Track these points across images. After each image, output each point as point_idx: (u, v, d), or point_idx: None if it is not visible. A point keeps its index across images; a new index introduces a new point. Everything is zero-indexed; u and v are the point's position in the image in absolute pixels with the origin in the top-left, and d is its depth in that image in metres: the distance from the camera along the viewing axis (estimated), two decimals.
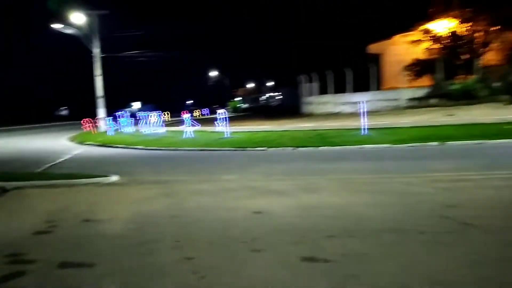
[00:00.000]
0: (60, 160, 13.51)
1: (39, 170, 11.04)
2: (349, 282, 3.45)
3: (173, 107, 52.14)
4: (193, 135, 19.29)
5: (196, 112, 50.72)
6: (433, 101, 27.19)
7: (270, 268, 3.80)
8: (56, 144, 20.12)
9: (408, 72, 30.28)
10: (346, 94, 32.66)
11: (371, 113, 25.65)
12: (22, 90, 61.49)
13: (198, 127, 22.07)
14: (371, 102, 29.85)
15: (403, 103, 28.91)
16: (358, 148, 13.10)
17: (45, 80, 66.00)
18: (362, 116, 15.97)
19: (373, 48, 36.11)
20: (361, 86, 31.35)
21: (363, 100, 18.36)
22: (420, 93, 28.47)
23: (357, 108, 19.25)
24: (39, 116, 52.78)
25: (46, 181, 8.49)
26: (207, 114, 53.52)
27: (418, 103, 27.81)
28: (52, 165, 12.22)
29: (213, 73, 67.83)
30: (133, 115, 29.12)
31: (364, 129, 15.70)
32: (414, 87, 29.55)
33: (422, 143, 12.84)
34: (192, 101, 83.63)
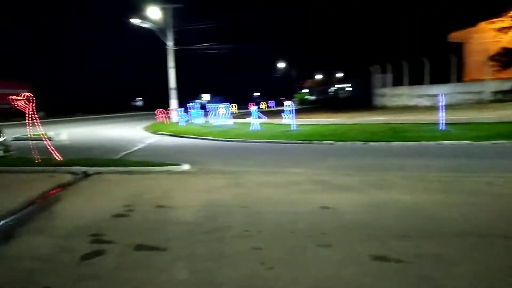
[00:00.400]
0: (136, 148, 14.35)
1: (117, 157, 11.82)
2: (423, 284, 3.26)
3: (240, 99, 53.05)
4: (259, 128, 19.45)
5: (262, 104, 51.09)
6: None
7: (338, 264, 3.71)
8: (131, 133, 21.42)
9: (494, 63, 27.83)
10: (423, 86, 30.88)
11: (450, 106, 24.10)
12: (101, 80, 66.23)
13: (264, 119, 22.20)
14: (450, 95, 28.02)
15: (487, 96, 26.74)
16: (435, 144, 12.35)
17: (122, 71, 70.52)
18: (440, 110, 14.99)
19: (455, 36, 33.67)
20: (440, 77, 29.44)
21: (441, 93, 17.24)
22: (508, 85, 26.12)
23: (434, 101, 18.08)
24: (116, 106, 56.57)
25: (123, 167, 9.05)
26: (273, 107, 53.70)
27: (505, 97, 25.55)
28: (128, 152, 13.02)
29: (281, 65, 67.72)
30: (202, 106, 30.06)
31: (442, 124, 14.75)
32: (500, 78, 27.18)
33: (508, 140, 11.76)
34: (258, 94, 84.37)
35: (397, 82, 34.18)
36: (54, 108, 41.64)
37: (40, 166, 9.13)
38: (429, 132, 14.20)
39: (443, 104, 15.37)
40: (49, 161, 9.47)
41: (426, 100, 29.91)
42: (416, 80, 31.48)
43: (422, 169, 8.47)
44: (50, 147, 10.07)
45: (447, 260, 3.71)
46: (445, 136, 13.15)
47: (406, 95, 32.26)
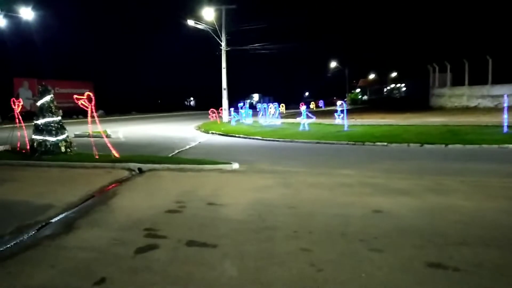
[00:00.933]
0: (188, 146, 14.73)
1: (170, 154, 12.19)
2: None
3: (290, 99, 52.86)
4: (308, 128, 19.27)
5: (312, 104, 50.61)
6: None
7: (390, 270, 3.57)
8: (184, 131, 22.01)
9: None
10: (485, 86, 29.07)
11: None
12: (156, 80, 68.66)
13: (313, 120, 21.96)
14: None
15: None
16: (497, 147, 11.61)
17: (176, 72, 72.75)
18: (504, 112, 14.04)
19: None
20: (504, 77, 27.50)
21: (506, 93, 16.14)
22: None
23: (497, 102, 17.02)
24: (170, 106, 58.48)
25: (176, 165, 9.32)
26: (323, 106, 53.02)
27: None
28: (181, 150, 13.39)
29: (333, 64, 66.64)
30: (252, 106, 30.28)
31: (505, 126, 13.80)
32: None
33: None
34: (308, 93, 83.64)
35: (457, 81, 32.42)
36: (111, 107, 43.77)
37: (99, 162, 9.63)
38: (491, 135, 13.35)
39: (507, 105, 14.39)
40: (107, 157, 9.97)
41: (488, 101, 28.17)
42: (478, 79, 29.68)
43: (483, 174, 7.98)
44: (109, 144, 10.60)
45: (510, 270, 3.46)
46: (509, 139, 12.29)
47: (466, 95, 30.56)
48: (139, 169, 8.91)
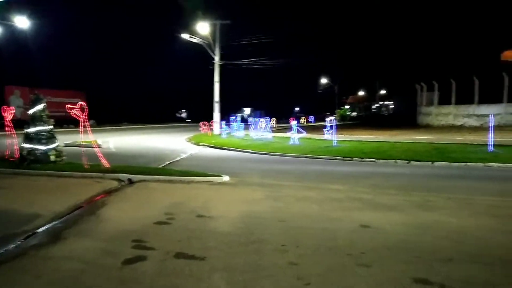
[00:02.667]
0: (178, 158, 14.70)
1: (160, 166, 12.16)
2: None
3: (281, 114, 53.15)
4: (298, 142, 19.39)
5: (302, 119, 50.99)
6: None
7: (377, 285, 3.61)
8: (175, 143, 21.98)
9: None
10: (471, 105, 29.66)
11: (500, 127, 22.97)
12: (148, 91, 68.65)
13: (304, 134, 22.11)
14: (501, 115, 26.76)
15: None
16: (482, 166, 11.81)
17: (168, 83, 72.86)
18: (490, 131, 14.33)
19: (508, 55, 32.16)
20: (490, 97, 28.14)
21: (491, 113, 16.51)
22: None
23: (483, 122, 17.37)
24: (161, 117, 58.37)
25: (166, 176, 9.30)
26: (313, 121, 53.41)
27: None
28: (172, 162, 13.37)
29: (323, 80, 67.40)
30: (244, 119, 30.37)
31: (491, 145, 14.07)
32: None
33: None
34: (298, 108, 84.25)
35: (444, 100, 33.01)
36: (103, 117, 43.56)
37: (88, 171, 9.56)
38: (477, 153, 13.59)
39: (493, 124, 14.69)
40: (97, 167, 9.91)
41: (474, 120, 28.70)
42: (464, 99, 30.27)
43: (469, 192, 8.11)
44: (99, 154, 10.55)
45: (495, 287, 3.52)
46: (494, 158, 12.53)
47: (453, 114, 31.11)
48: (129, 179, 8.88)
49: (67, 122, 31.96)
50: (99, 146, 15.46)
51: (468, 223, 5.64)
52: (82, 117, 10.39)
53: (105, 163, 10.22)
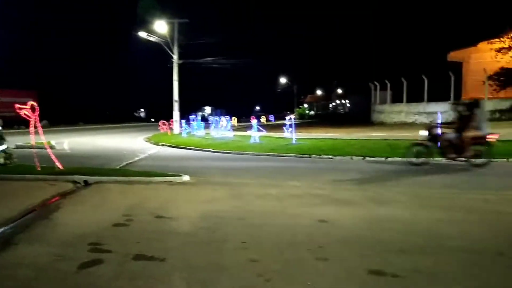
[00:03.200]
0: (137, 158, 14.39)
1: (118, 166, 11.86)
2: None
3: (241, 113, 53.32)
4: (259, 140, 19.53)
5: (262, 118, 51.42)
6: None
7: (335, 278, 3.74)
8: (133, 143, 21.48)
9: (493, 82, 28.08)
10: (421, 103, 31.10)
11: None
12: (105, 91, 66.64)
13: (264, 133, 22.31)
14: (448, 113, 28.09)
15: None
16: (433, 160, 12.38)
17: (126, 83, 71.08)
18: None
19: (454, 55, 34.05)
20: (438, 95, 29.65)
21: (439, 110, 17.38)
22: (505, 104, 26.34)
23: (432, 119, 18.22)
24: (119, 117, 56.81)
25: (123, 177, 9.08)
26: (273, 120, 54.03)
27: (502, 116, 25.74)
28: (130, 163, 13.06)
29: (282, 80, 68.27)
30: (204, 119, 30.18)
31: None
32: (498, 98, 27.38)
33: (505, 158, 11.84)
34: (258, 108, 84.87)
35: (396, 99, 34.44)
36: (57, 117, 41.82)
37: (41, 174, 9.16)
38: None
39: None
40: (50, 170, 9.51)
41: (424, 118, 30.11)
42: (415, 97, 31.73)
43: (419, 185, 8.53)
44: (52, 156, 10.12)
45: (443, 276, 3.74)
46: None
47: (404, 112, 32.48)
48: (85, 181, 8.59)
49: (18, 123, 30.43)
50: (52, 147, 14.84)
51: (419, 215, 5.93)
52: (33, 117, 9.93)
53: (59, 165, 9.83)
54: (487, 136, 10.62)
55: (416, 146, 11.67)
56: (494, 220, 5.66)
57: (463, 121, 10.86)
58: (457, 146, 10.81)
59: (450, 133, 11.07)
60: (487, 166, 10.72)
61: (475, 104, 11.05)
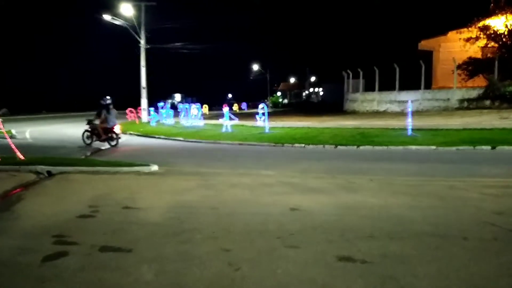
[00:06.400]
0: (103, 148, 14.03)
1: (83, 156, 11.52)
2: (386, 283, 3.33)
3: (213, 101, 52.89)
4: (231, 129, 19.42)
5: (235, 106, 51.23)
6: (486, 102, 25.90)
7: (305, 265, 3.74)
8: None
9: (461, 71, 28.87)
10: (393, 92, 31.66)
11: (419, 113, 24.86)
12: (69, 77, 64.59)
13: (236, 121, 22.21)
14: (419, 102, 28.89)
15: (453, 103, 27.71)
16: (402, 149, 12.70)
17: (91, 69, 69.03)
18: (408, 116, 15.44)
19: (425, 44, 34.77)
20: (409, 84, 30.26)
21: (410, 99, 17.79)
22: (473, 94, 27.15)
23: (404, 107, 18.67)
24: (84, 104, 55.15)
25: (89, 167, 8.82)
26: (246, 109, 53.92)
27: (470, 105, 26.59)
28: (95, 152, 12.72)
29: (255, 67, 67.98)
30: (173, 106, 29.70)
31: (410, 129, 15.17)
32: (466, 87, 28.22)
33: (472, 146, 12.24)
34: (231, 95, 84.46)
35: (369, 87, 34.92)
36: (18, 106, 40.24)
37: (1, 164, 8.76)
38: (397, 137, 14.58)
39: (411, 110, 15.83)
40: (11, 160, 9.12)
41: (396, 106, 30.71)
42: (387, 86, 32.24)
43: (389, 173, 8.69)
44: (12, 145, 9.70)
45: (410, 260, 3.81)
46: (412, 141, 13.53)
47: (376, 100, 33.01)
48: (48, 172, 8.28)
49: None
50: (13, 136, 14.26)
51: (388, 202, 6.03)
52: None
53: (20, 155, 9.42)
54: None
55: None
56: (458, 206, 5.81)
57: None
58: None
59: None
60: None
61: None
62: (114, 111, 14.75)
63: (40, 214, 5.42)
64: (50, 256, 3.95)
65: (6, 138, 10.47)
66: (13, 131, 16.07)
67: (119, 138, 14.54)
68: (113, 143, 14.35)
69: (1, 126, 9.83)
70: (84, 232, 4.70)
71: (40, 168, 8.39)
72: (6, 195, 6.56)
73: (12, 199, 6.32)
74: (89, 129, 14.69)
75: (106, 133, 14.30)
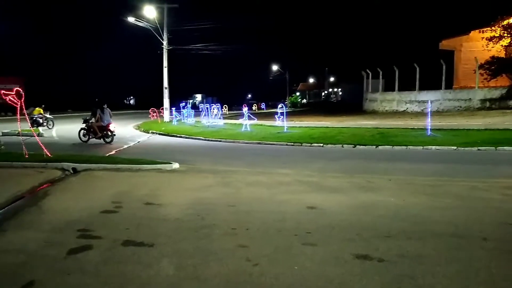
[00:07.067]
0: (126, 146, 14.33)
1: (107, 154, 11.79)
2: (403, 282, 3.34)
3: (233, 101, 53.14)
4: (250, 129, 19.52)
5: (254, 106, 51.37)
6: (510, 103, 25.26)
7: (322, 262, 3.78)
8: (123, 131, 21.31)
9: (483, 71, 28.19)
10: (413, 92, 31.20)
11: (439, 113, 24.47)
12: (94, 78, 65.92)
13: (255, 121, 22.30)
14: (439, 102, 28.40)
15: (475, 104, 27.12)
16: (421, 149, 12.54)
17: (116, 70, 70.28)
18: (428, 116, 15.23)
19: (446, 44, 34.11)
20: (429, 84, 29.76)
21: (431, 99, 17.54)
22: (496, 94, 26.51)
23: (424, 107, 18.41)
24: (109, 104, 56.19)
25: (113, 164, 9.04)
26: (265, 108, 53.97)
27: (493, 105, 25.97)
28: (119, 150, 13.01)
29: (275, 67, 67.90)
30: (195, 106, 30.02)
31: (430, 129, 14.97)
32: (489, 87, 27.56)
33: (494, 147, 11.99)
34: (250, 96, 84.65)
35: (388, 87, 34.48)
36: (45, 105, 41.32)
37: (29, 161, 9.08)
38: (417, 137, 14.40)
39: (431, 110, 15.62)
40: (38, 157, 9.43)
41: (415, 106, 30.25)
42: (407, 86, 31.79)
43: (408, 173, 8.61)
44: (40, 143, 10.03)
45: (428, 260, 3.80)
46: (432, 141, 13.35)
47: (396, 100, 32.57)
48: (73, 169, 8.54)
49: (5, 110, 30.05)
50: (40, 135, 14.70)
51: (406, 202, 6.01)
52: (19, 103, 9.79)
53: (47, 152, 9.74)
54: None
55: None
56: (478, 206, 5.75)
57: None
58: None
59: None
60: None
61: None
62: (108, 111, 15.57)
63: (65, 209, 5.62)
64: (74, 249, 4.11)
65: (34, 136, 10.82)
66: (40, 129, 16.57)
67: (114, 135, 15.30)
68: (108, 139, 15.15)
69: (30, 125, 10.15)
70: (107, 227, 4.86)
71: (66, 165, 8.66)
72: (34, 191, 6.80)
73: (39, 195, 6.55)
74: (85, 128, 15.39)
75: (102, 131, 15.10)
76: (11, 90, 9.90)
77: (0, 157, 9.59)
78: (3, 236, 4.59)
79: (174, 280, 3.47)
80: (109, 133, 15.16)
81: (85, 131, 15.35)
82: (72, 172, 8.41)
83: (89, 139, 15.20)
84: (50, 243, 4.32)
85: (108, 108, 15.64)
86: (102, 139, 15.11)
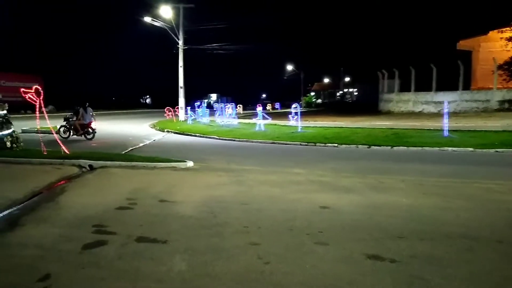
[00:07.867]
0: (142, 144, 14.51)
1: (123, 152, 11.97)
2: (415, 283, 3.34)
3: (248, 100, 53.26)
4: (264, 128, 19.55)
5: (268, 105, 51.38)
6: None
7: (333, 261, 3.80)
8: (139, 129, 21.61)
9: (502, 72, 27.64)
10: (429, 92, 30.78)
11: (456, 114, 24.11)
12: (111, 77, 66.79)
13: (269, 121, 22.32)
14: (456, 103, 27.99)
15: (493, 105, 26.62)
16: (437, 150, 12.39)
17: (132, 69, 71.08)
18: (445, 117, 15.02)
19: (464, 44, 33.59)
20: (446, 84, 29.32)
21: (448, 100, 17.30)
22: None
23: (440, 108, 18.14)
24: (125, 103, 56.96)
25: (128, 162, 9.18)
26: (279, 108, 53.92)
27: (511, 106, 25.44)
28: (134, 148, 13.18)
29: (289, 67, 67.78)
30: (209, 106, 30.19)
31: (446, 130, 14.76)
32: (508, 88, 27.04)
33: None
34: (265, 95, 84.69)
35: (404, 87, 34.06)
36: (62, 103, 42.07)
37: (47, 158, 9.29)
38: (433, 138, 14.22)
39: (448, 111, 15.40)
40: (56, 154, 9.64)
41: (432, 107, 29.85)
42: (423, 86, 31.37)
43: (422, 174, 8.52)
44: (58, 140, 10.24)
45: (440, 261, 3.78)
46: (448, 142, 13.17)
47: (412, 101, 32.18)
48: (90, 166, 8.70)
49: (24, 108, 30.70)
50: (58, 132, 14.99)
51: (418, 202, 5.96)
52: (38, 101, 10.02)
53: (65, 149, 9.95)
54: None
55: None
56: (493, 208, 5.66)
57: None
58: None
59: None
60: None
61: None
62: (89, 110, 16.28)
63: (81, 205, 5.74)
64: (89, 244, 4.20)
65: (52, 134, 11.06)
66: (58, 127, 16.87)
67: (95, 132, 16.05)
68: (89, 136, 15.87)
69: (48, 122, 10.36)
70: (122, 223, 4.95)
71: (82, 162, 8.83)
72: (51, 187, 6.97)
73: (56, 191, 6.70)
74: (66, 125, 16.02)
75: (83, 128, 15.84)
76: (30, 88, 10.15)
77: (19, 154, 9.83)
78: (21, 230, 4.72)
79: (186, 276, 3.52)
80: (90, 130, 15.92)
81: (65, 128, 15.98)
82: (88, 169, 8.57)
83: (69, 135, 15.81)
84: (66, 238, 4.43)
85: (90, 107, 16.35)
86: (83, 136, 15.83)
